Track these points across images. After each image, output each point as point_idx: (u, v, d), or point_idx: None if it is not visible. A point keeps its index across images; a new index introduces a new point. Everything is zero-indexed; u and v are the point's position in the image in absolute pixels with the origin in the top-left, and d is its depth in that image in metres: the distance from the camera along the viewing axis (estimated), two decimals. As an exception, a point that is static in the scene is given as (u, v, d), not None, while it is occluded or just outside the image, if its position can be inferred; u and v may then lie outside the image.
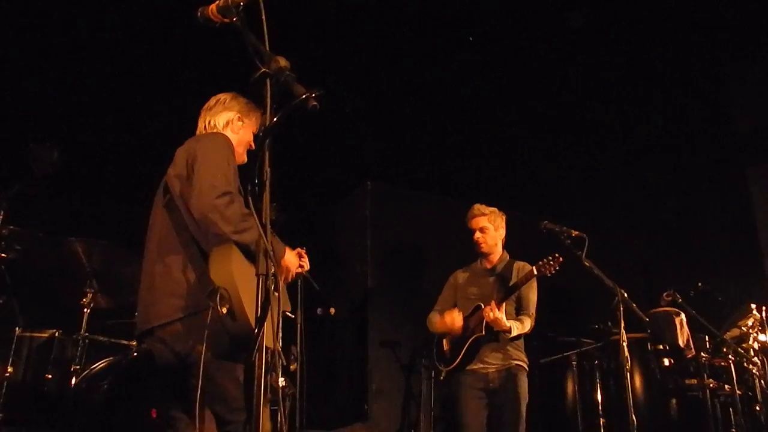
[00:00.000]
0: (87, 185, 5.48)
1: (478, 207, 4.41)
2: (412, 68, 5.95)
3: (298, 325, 3.37)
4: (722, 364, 4.59)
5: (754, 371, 4.56)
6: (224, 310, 2.27)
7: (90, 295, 3.94)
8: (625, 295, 3.72)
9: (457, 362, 4.16)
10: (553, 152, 6.79)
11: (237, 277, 2.33)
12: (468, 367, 4.13)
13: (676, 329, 4.66)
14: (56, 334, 3.82)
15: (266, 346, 1.80)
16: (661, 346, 4.77)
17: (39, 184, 3.93)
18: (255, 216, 1.90)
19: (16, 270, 3.88)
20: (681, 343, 4.64)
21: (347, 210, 6.30)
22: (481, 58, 5.92)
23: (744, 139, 6.23)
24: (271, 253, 1.85)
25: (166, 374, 2.59)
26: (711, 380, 4.55)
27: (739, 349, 4.55)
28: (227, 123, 2.88)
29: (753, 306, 4.71)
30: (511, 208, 4.69)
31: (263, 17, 1.98)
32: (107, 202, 5.58)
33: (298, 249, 2.81)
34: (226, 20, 2.06)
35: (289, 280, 2.74)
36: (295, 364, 3.62)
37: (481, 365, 4.12)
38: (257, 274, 1.84)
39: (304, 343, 3.43)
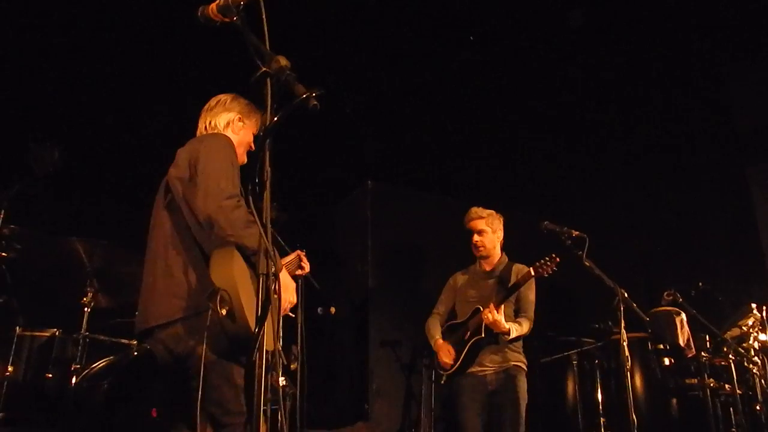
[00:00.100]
0: (87, 185, 5.48)
1: (476, 210, 4.41)
2: (412, 68, 5.95)
3: (299, 325, 3.37)
4: (723, 363, 4.60)
5: (754, 371, 4.56)
6: (224, 312, 2.26)
7: (90, 295, 3.94)
8: (626, 294, 3.73)
9: (457, 366, 4.17)
10: (553, 152, 6.79)
11: (238, 279, 2.33)
12: (468, 370, 4.15)
13: (676, 329, 4.66)
14: (57, 334, 3.82)
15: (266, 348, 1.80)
16: (661, 346, 4.78)
17: (39, 184, 3.93)
18: (257, 220, 1.89)
19: (17, 269, 3.88)
20: (681, 342, 4.65)
21: (348, 210, 6.30)
22: (482, 58, 5.92)
23: (744, 139, 6.23)
24: (272, 253, 1.85)
25: (166, 374, 2.59)
26: (711, 380, 4.55)
27: (740, 349, 4.55)
28: (228, 124, 2.87)
29: (753, 305, 4.71)
30: (511, 208, 4.69)
31: (263, 16, 1.97)
32: (108, 201, 5.58)
33: (298, 251, 2.81)
34: (227, 19, 2.06)
35: (286, 309, 2.72)
36: (296, 364, 3.61)
37: (480, 368, 4.13)
38: (258, 275, 1.84)
39: (304, 343, 3.43)
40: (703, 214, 6.31)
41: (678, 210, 6.51)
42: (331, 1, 5.24)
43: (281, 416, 2.05)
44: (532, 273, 4.06)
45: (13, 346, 3.70)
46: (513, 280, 4.19)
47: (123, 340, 3.89)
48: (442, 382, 4.31)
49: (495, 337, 4.10)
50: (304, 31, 5.08)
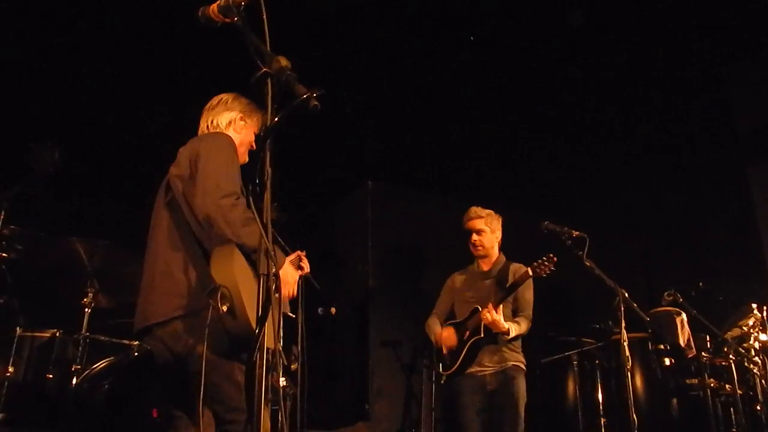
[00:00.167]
0: (88, 185, 5.48)
1: (475, 209, 4.42)
2: (412, 68, 5.95)
3: (299, 325, 3.37)
4: (723, 363, 4.60)
5: (755, 371, 4.56)
6: (224, 309, 2.26)
7: (91, 295, 3.93)
8: (626, 294, 3.73)
9: (456, 366, 4.17)
10: (553, 152, 6.80)
11: (238, 276, 2.33)
12: (467, 371, 4.15)
13: (677, 329, 4.66)
14: (57, 334, 3.81)
15: (267, 347, 1.80)
16: (662, 346, 4.77)
17: (40, 184, 3.92)
18: (258, 220, 1.89)
19: (17, 270, 3.87)
20: (682, 342, 4.65)
21: (348, 210, 6.30)
22: (482, 58, 5.92)
23: (744, 139, 6.23)
24: (272, 253, 1.85)
25: (165, 373, 2.59)
26: (712, 380, 4.55)
27: (740, 349, 4.55)
28: (229, 123, 2.88)
29: (754, 305, 4.71)
30: (511, 208, 4.69)
31: (264, 17, 1.97)
32: (108, 201, 5.58)
33: (298, 251, 2.80)
34: (227, 20, 2.05)
35: (289, 295, 2.72)
36: (296, 364, 3.61)
37: (480, 368, 4.14)
38: (258, 274, 1.84)
39: (305, 343, 3.43)
40: (703, 214, 6.31)
41: (678, 210, 6.50)
42: (331, 1, 5.24)
43: (281, 416, 2.05)
44: (530, 273, 4.07)
45: (14, 347, 3.69)
46: (511, 279, 4.20)
47: (124, 341, 3.88)
48: (442, 382, 4.32)
49: (494, 337, 4.10)
50: (304, 32, 5.08)
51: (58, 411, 3.56)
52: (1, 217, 3.75)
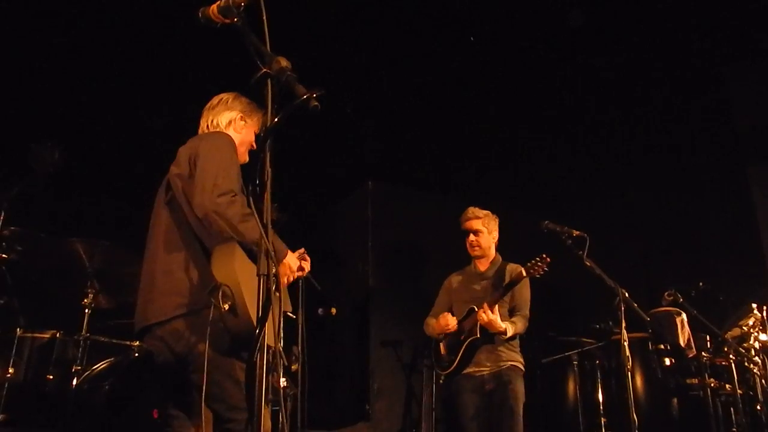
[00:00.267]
0: (88, 185, 5.48)
1: (473, 210, 4.42)
2: (412, 68, 5.95)
3: (300, 325, 3.37)
4: (723, 363, 4.60)
5: (755, 371, 4.56)
6: (226, 307, 2.26)
7: (91, 296, 3.93)
8: (627, 294, 3.73)
9: (454, 366, 4.18)
10: (553, 152, 6.80)
11: (240, 275, 2.33)
12: (465, 371, 4.16)
13: (677, 329, 4.66)
14: (57, 335, 3.81)
15: (267, 346, 1.80)
16: (662, 346, 4.78)
17: (40, 184, 3.93)
18: (256, 216, 1.89)
19: (17, 270, 3.87)
20: (682, 342, 4.65)
21: (348, 210, 6.30)
22: (482, 58, 5.92)
23: (744, 139, 6.23)
24: (272, 253, 1.85)
25: (164, 372, 2.59)
26: (712, 380, 4.55)
27: (740, 349, 4.55)
28: (230, 122, 2.88)
29: (754, 305, 4.71)
30: (511, 208, 4.69)
31: (264, 17, 1.97)
32: (108, 202, 5.58)
33: (300, 250, 2.81)
34: (227, 20, 2.05)
35: (289, 282, 2.73)
36: (297, 364, 3.62)
37: (477, 368, 4.14)
38: (258, 274, 1.84)
39: (305, 343, 3.44)
40: (704, 214, 6.31)
41: (679, 209, 6.51)
42: (331, 1, 5.24)
43: (282, 416, 2.05)
44: (524, 273, 4.08)
45: (14, 348, 3.68)
46: (507, 280, 4.20)
47: (124, 342, 3.88)
48: (441, 381, 4.32)
49: (491, 337, 4.11)
50: (304, 32, 5.08)
51: (58, 412, 3.55)
52: (1, 217, 3.75)
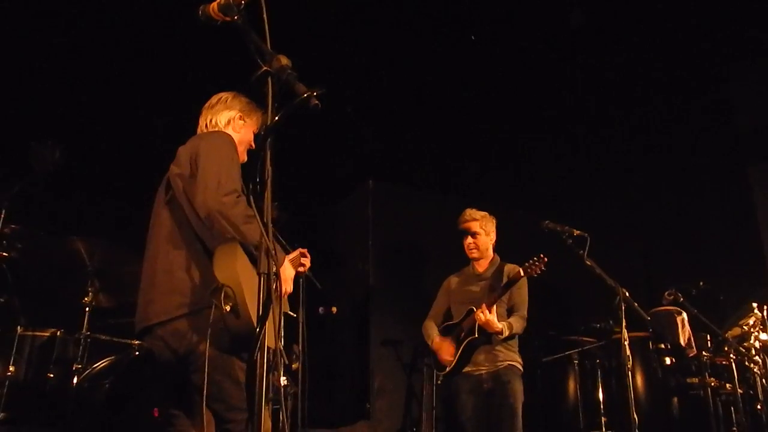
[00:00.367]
0: (88, 184, 5.48)
1: (470, 212, 4.43)
2: (412, 68, 5.95)
3: (300, 324, 3.37)
4: (724, 362, 4.60)
5: (755, 370, 4.56)
6: (228, 308, 2.26)
7: (91, 294, 3.93)
8: (627, 294, 3.73)
9: (452, 366, 4.18)
10: (553, 152, 6.80)
11: (241, 275, 2.33)
12: (463, 370, 4.17)
13: (677, 328, 4.66)
14: (58, 333, 3.81)
15: (268, 346, 1.80)
16: (662, 345, 4.78)
17: (40, 183, 3.93)
18: (258, 216, 1.89)
19: (18, 269, 3.88)
20: (682, 341, 4.65)
21: (349, 209, 6.30)
22: (482, 57, 5.92)
23: (745, 139, 6.23)
24: (273, 252, 1.85)
25: (165, 372, 2.59)
26: (712, 379, 4.55)
27: (741, 348, 4.55)
28: (229, 121, 2.87)
29: (754, 305, 4.70)
30: (511, 208, 4.69)
31: (264, 16, 1.97)
32: (109, 200, 5.58)
33: (300, 249, 2.80)
34: (228, 18, 2.05)
35: (286, 292, 2.71)
36: (297, 363, 3.62)
37: (475, 368, 4.15)
38: (258, 273, 1.84)
39: (305, 342, 3.44)
40: (705, 213, 6.32)
41: (679, 209, 6.51)
42: (331, 1, 5.24)
43: (282, 415, 2.05)
44: (522, 273, 4.08)
45: (15, 346, 3.69)
46: (504, 280, 4.21)
47: (124, 340, 3.88)
48: (439, 382, 4.32)
49: (489, 337, 4.12)
50: (304, 31, 5.08)
51: (58, 410, 3.55)
52: (2, 216, 3.75)
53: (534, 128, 6.58)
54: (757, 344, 4.60)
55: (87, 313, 3.86)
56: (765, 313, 4.65)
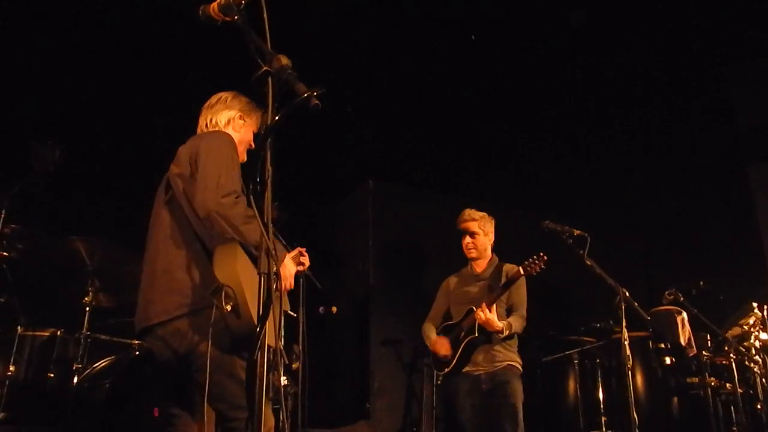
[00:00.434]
0: (89, 184, 5.48)
1: (469, 212, 4.43)
2: (412, 68, 5.96)
3: (300, 324, 3.38)
4: (724, 362, 4.60)
5: (755, 370, 4.56)
6: (228, 308, 2.26)
7: (91, 294, 3.94)
8: (627, 293, 3.73)
9: (452, 366, 4.18)
10: (553, 152, 6.80)
11: (242, 275, 2.33)
12: (462, 370, 4.17)
13: (677, 328, 4.66)
14: (58, 333, 3.82)
15: (268, 345, 1.80)
16: (662, 345, 4.78)
17: (40, 183, 3.93)
18: (258, 216, 1.89)
19: (18, 269, 3.88)
20: (682, 341, 4.65)
21: (349, 209, 6.30)
22: (482, 57, 5.93)
23: (745, 139, 6.23)
24: (273, 252, 1.85)
25: (166, 372, 2.59)
26: (712, 379, 4.55)
27: (741, 348, 4.55)
28: (228, 121, 2.87)
29: (754, 304, 4.71)
30: (511, 208, 4.69)
31: (265, 15, 1.97)
32: (109, 200, 5.58)
33: (299, 248, 2.80)
34: (228, 18, 2.05)
35: (286, 288, 2.72)
36: (297, 363, 3.62)
37: (474, 367, 4.15)
38: (259, 273, 1.84)
39: (306, 342, 3.44)
40: (705, 213, 6.31)
41: (679, 209, 6.51)
42: (331, 1, 5.24)
43: (282, 415, 2.05)
44: (521, 272, 4.09)
45: (15, 346, 3.69)
46: (503, 279, 4.21)
47: (124, 340, 3.89)
48: (439, 382, 4.32)
49: (488, 337, 4.12)
50: (304, 31, 5.08)
51: (59, 410, 3.56)
52: (2, 216, 3.75)
53: (534, 128, 6.58)
54: (757, 344, 4.61)
55: (87, 313, 3.87)
56: (765, 312, 4.65)
